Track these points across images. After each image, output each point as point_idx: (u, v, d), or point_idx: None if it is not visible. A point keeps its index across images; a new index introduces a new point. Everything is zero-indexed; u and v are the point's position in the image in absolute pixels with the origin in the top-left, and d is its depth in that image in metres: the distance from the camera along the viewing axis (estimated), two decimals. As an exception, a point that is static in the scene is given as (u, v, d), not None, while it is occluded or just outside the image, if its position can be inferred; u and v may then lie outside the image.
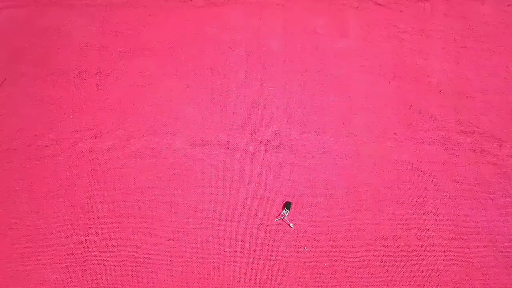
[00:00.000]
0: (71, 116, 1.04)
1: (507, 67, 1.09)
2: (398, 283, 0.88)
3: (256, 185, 0.96)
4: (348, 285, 0.88)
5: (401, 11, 1.17)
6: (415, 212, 0.94)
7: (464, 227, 0.93)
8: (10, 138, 1.01)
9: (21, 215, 0.94)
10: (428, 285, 0.88)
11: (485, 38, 1.13)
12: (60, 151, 1.00)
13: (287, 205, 0.93)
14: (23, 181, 0.97)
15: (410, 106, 1.05)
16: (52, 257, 0.90)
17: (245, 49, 1.11)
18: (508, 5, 1.17)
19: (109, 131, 1.02)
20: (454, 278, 0.88)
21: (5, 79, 1.08)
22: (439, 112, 1.04)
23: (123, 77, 1.08)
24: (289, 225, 0.93)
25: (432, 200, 0.95)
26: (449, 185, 0.96)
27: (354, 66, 1.09)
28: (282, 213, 0.94)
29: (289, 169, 0.98)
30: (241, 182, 0.97)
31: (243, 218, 0.93)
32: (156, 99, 1.05)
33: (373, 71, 1.09)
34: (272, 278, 0.89)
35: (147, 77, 1.08)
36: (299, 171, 0.97)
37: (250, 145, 1.00)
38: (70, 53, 1.11)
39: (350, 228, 0.93)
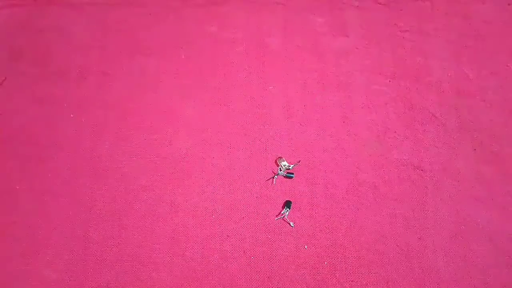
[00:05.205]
0: (72, 115, 1.04)
1: (508, 66, 1.09)
2: (398, 282, 0.88)
3: (256, 183, 0.96)
4: (348, 284, 0.88)
5: (401, 9, 1.17)
6: (415, 211, 0.94)
7: (464, 226, 0.93)
8: (11, 137, 1.01)
9: (22, 214, 0.94)
10: (428, 284, 0.88)
11: (486, 37, 1.13)
12: (61, 150, 1.00)
13: (287, 204, 0.93)
14: (24, 180, 0.97)
15: (411, 105, 1.05)
16: (53, 256, 0.90)
17: (245, 48, 1.11)
18: (509, 4, 1.17)
19: (109, 130, 1.02)
20: (454, 277, 0.88)
21: (5, 78, 1.08)
22: (439, 111, 1.04)
23: (124, 76, 1.08)
24: (289, 224, 0.93)
25: (432, 199, 0.95)
26: (450, 184, 0.96)
27: (354, 65, 1.09)
28: (282, 212, 0.94)
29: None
30: (241, 181, 0.97)
31: (243, 217, 0.94)
32: (156, 98, 1.05)
33: (374, 70, 1.09)
34: (272, 276, 0.89)
35: (147, 76, 1.08)
36: (299, 170, 0.97)
37: (251, 144, 1.00)
38: (71, 52, 1.11)
39: (350, 227, 0.93)
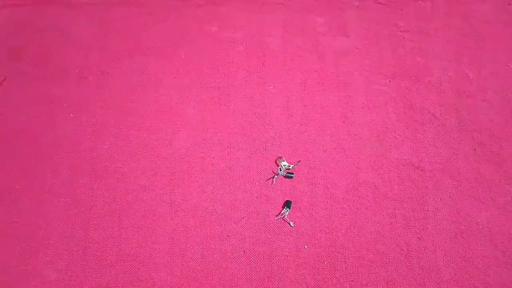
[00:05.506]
0: (72, 115, 1.04)
1: (508, 66, 1.09)
2: (398, 282, 0.88)
3: (256, 183, 0.96)
4: (348, 284, 0.88)
5: (401, 9, 1.17)
6: (415, 211, 0.94)
7: (464, 226, 0.93)
8: (11, 137, 1.01)
9: (22, 214, 0.94)
10: (428, 284, 0.88)
11: (486, 37, 1.13)
12: (61, 149, 1.00)
13: (287, 204, 0.93)
14: (24, 179, 0.97)
15: (411, 105, 1.05)
16: (53, 255, 0.90)
17: (245, 47, 1.11)
18: (509, 4, 1.17)
19: (109, 129, 1.02)
20: (454, 276, 0.88)
21: (5, 78, 1.08)
22: (439, 111, 1.04)
23: (124, 76, 1.08)
24: (289, 224, 0.93)
25: (432, 199, 0.95)
26: (450, 184, 0.96)
27: (355, 65, 1.09)
28: (282, 212, 0.94)
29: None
30: (241, 181, 0.97)
31: (243, 217, 0.94)
32: (156, 97, 1.05)
33: (374, 70, 1.09)
34: (272, 276, 0.89)
35: (147, 76, 1.08)
36: (299, 170, 0.97)
37: (251, 143, 1.00)
38: (71, 52, 1.11)
39: (350, 227, 0.93)
